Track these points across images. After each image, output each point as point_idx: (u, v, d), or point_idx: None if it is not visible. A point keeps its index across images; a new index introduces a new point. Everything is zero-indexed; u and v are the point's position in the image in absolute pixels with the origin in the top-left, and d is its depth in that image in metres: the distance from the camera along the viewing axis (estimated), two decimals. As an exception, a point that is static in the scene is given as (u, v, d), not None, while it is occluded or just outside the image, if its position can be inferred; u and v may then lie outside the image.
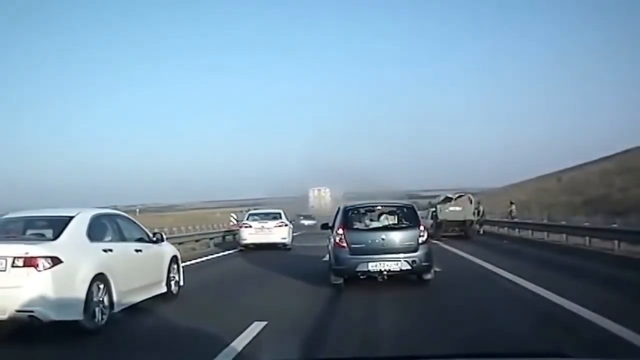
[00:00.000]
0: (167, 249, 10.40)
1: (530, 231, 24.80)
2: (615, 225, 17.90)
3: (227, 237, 27.85)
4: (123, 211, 12.00)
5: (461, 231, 26.17)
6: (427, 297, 9.85)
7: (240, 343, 6.47)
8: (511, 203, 33.30)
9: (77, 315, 7.07)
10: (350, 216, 11.04)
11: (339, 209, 11.44)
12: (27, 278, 6.80)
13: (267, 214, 23.51)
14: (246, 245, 22.01)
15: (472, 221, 26.57)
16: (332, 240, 10.95)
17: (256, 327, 7.21)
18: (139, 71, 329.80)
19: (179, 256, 10.84)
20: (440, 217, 26.23)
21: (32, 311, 6.75)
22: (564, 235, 20.79)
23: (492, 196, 48.93)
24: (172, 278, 10.15)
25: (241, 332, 6.90)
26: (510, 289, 10.30)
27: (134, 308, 8.52)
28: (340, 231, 10.53)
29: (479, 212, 30.03)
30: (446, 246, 20.92)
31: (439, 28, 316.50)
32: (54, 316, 6.87)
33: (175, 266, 10.41)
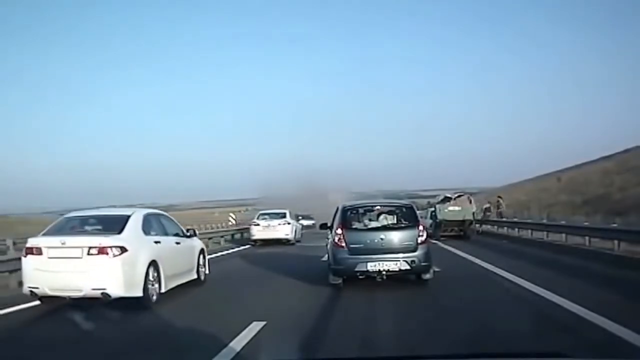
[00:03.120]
0: (197, 243, 12.22)
1: (529, 231, 24.74)
2: (615, 225, 17.85)
3: (225, 236, 28.00)
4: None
5: (460, 231, 26.13)
6: (426, 297, 9.83)
7: (239, 343, 6.47)
8: (499, 197, 33.45)
9: (138, 293, 8.90)
10: (349, 216, 11.00)
11: (337, 208, 11.40)
12: (100, 263, 8.59)
13: (276, 214, 26.05)
14: (255, 241, 24.90)
15: (471, 221, 26.53)
16: (330, 240, 10.92)
17: (255, 327, 7.21)
18: (138, 72, 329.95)
19: (205, 249, 12.70)
20: (440, 217, 26.19)
21: (104, 289, 8.56)
22: (564, 235, 20.72)
23: (492, 195, 48.83)
24: (201, 267, 11.98)
25: (240, 332, 6.89)
26: (510, 288, 10.27)
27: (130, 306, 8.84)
28: (339, 231, 10.49)
29: (488, 208, 30.31)
30: (445, 246, 20.92)
31: (440, 29, 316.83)
32: (121, 293, 8.66)
33: (202, 257, 12.17)
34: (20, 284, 12.03)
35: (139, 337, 7.33)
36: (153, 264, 9.38)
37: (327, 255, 11.55)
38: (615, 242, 16.36)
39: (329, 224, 11.64)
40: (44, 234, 9.47)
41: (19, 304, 9.58)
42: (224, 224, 35.86)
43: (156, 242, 9.87)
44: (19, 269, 12.05)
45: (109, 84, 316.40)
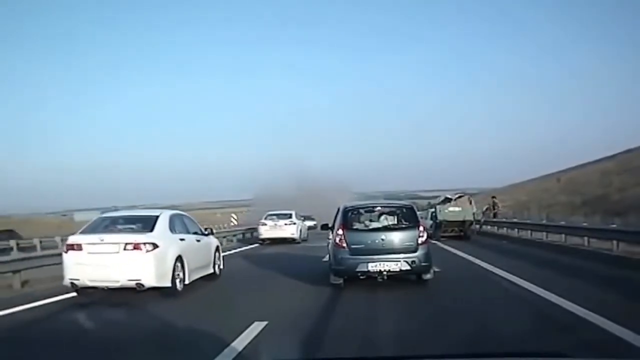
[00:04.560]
0: (213, 240, 13.41)
1: (529, 231, 24.83)
2: (614, 226, 17.92)
3: (227, 237, 28.19)
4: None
5: (460, 231, 26.19)
6: (426, 297, 9.88)
7: (240, 343, 6.50)
8: (493, 198, 33.57)
9: (167, 283, 10.04)
10: (349, 216, 11.02)
11: (338, 209, 11.45)
12: (135, 257, 9.71)
13: (283, 214, 27.41)
14: (263, 240, 26.42)
15: (471, 222, 26.60)
16: (332, 240, 10.98)
17: (256, 327, 7.24)
18: (138, 71, 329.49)
19: (220, 246, 13.87)
20: (440, 217, 26.23)
21: (139, 279, 9.71)
22: (563, 236, 20.82)
23: (492, 196, 48.91)
24: (217, 262, 13.12)
25: (241, 332, 6.92)
26: (509, 289, 10.33)
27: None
28: (340, 231, 10.55)
29: (488, 209, 30.48)
30: (445, 246, 20.96)
31: (440, 31, 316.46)
32: (153, 284, 9.84)
33: (218, 254, 13.30)
34: (24, 284, 12.26)
35: (145, 336, 7.35)
36: (179, 258, 10.47)
37: (328, 256, 11.61)
38: (614, 242, 16.46)
39: (330, 225, 11.70)
40: (82, 232, 10.59)
41: (24, 304, 9.73)
42: (225, 225, 35.94)
43: (181, 240, 10.99)
44: (22, 270, 12.30)
45: (111, 85, 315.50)
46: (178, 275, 10.40)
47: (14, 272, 12.20)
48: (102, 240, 9.97)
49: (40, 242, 26.79)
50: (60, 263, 13.33)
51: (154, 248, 9.87)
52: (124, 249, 9.77)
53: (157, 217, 10.76)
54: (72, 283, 10.07)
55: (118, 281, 9.77)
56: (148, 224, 10.46)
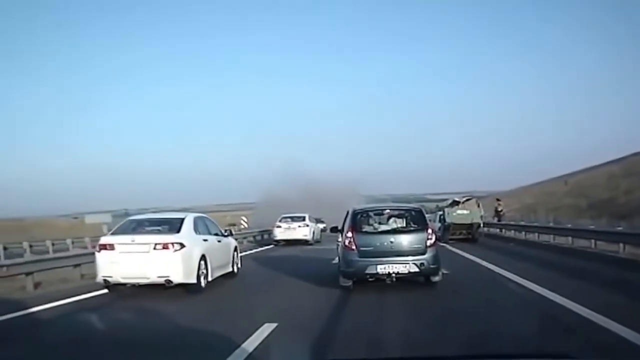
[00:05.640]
0: (232, 241, 14.14)
1: (536, 234, 24.88)
2: (620, 228, 18.00)
3: (238, 239, 28.47)
4: (136, 214, 15.15)
5: (468, 234, 26.29)
6: (434, 299, 9.95)
7: (251, 344, 6.56)
8: (497, 200, 33.55)
9: (193, 280, 10.78)
10: (359, 219, 11.10)
11: (348, 212, 11.53)
12: (164, 256, 10.46)
13: (297, 217, 28.57)
14: (277, 241, 27.62)
15: (479, 224, 26.69)
16: (341, 243, 11.09)
17: (267, 328, 7.32)
18: (144, 73, 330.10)
19: (238, 247, 14.64)
20: (448, 220, 26.33)
21: (168, 276, 10.47)
22: (570, 238, 20.87)
23: (496, 198, 48.80)
24: (235, 262, 13.85)
25: (252, 334, 6.98)
26: (516, 291, 10.40)
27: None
28: (349, 234, 10.64)
29: (498, 209, 30.65)
30: (453, 249, 21.03)
31: (445, 32, 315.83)
32: (181, 280, 10.62)
33: (236, 254, 14.05)
34: (37, 285, 12.45)
35: (157, 337, 7.46)
36: (203, 257, 11.20)
37: (337, 258, 11.71)
38: (621, 245, 16.52)
39: (339, 228, 11.80)
40: (113, 233, 11.53)
41: (38, 305, 9.85)
42: (236, 227, 36.11)
43: (204, 240, 11.72)
44: (34, 272, 12.50)
45: (122, 87, 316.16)
46: (202, 272, 11.10)
47: (27, 274, 12.39)
48: (133, 240, 10.67)
49: (53, 244, 27.10)
50: (71, 265, 13.73)
51: (181, 248, 10.60)
52: (154, 249, 10.50)
53: (183, 219, 11.51)
54: (105, 280, 10.71)
55: (148, 278, 10.53)
56: (175, 225, 11.25)
